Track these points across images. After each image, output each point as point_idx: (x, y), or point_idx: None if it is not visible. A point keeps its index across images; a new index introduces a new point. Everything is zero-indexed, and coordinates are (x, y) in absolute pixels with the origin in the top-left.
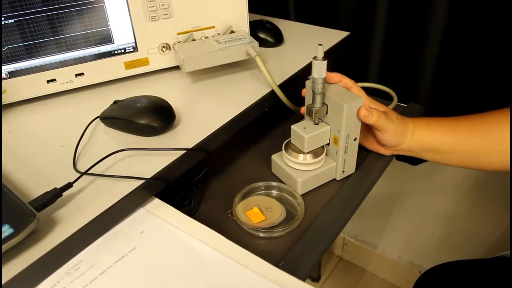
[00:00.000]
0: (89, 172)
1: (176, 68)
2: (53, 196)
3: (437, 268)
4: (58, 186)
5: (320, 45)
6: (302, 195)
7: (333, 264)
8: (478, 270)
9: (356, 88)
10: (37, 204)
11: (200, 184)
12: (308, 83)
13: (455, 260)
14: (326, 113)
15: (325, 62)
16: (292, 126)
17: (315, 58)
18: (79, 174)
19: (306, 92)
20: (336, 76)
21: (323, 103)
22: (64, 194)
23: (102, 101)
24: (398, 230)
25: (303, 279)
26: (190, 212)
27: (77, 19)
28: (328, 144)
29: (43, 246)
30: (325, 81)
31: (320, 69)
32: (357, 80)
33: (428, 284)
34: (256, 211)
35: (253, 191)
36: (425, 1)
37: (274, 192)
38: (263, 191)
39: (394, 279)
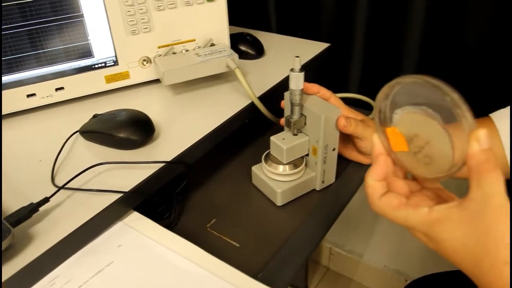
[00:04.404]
0: (66, 186)
1: (157, 81)
2: (29, 211)
3: (422, 279)
4: (35, 201)
5: (297, 57)
6: (282, 206)
7: (320, 274)
8: (465, 281)
9: (334, 98)
10: (12, 220)
11: (180, 197)
12: (286, 94)
13: (443, 269)
14: (305, 124)
15: (302, 73)
16: (271, 137)
17: (292, 70)
18: (57, 189)
19: (285, 104)
20: (314, 87)
21: (302, 114)
22: (41, 209)
23: (83, 115)
24: (384, 239)
25: None
26: (171, 224)
27: (56, 33)
28: (307, 155)
29: (18, 261)
30: (303, 92)
31: (297, 81)
32: (338, 90)
33: None
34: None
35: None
36: (402, 12)
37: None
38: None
39: None
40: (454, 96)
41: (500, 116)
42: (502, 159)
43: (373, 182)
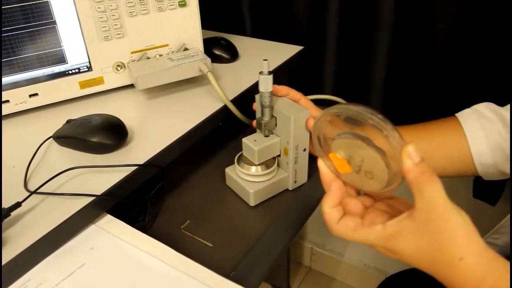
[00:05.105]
0: (39, 191)
1: (132, 86)
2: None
3: (398, 275)
4: (7, 206)
5: (265, 60)
6: (255, 206)
7: (303, 274)
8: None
9: (304, 100)
10: None
11: (154, 199)
12: (257, 97)
13: None
14: (276, 125)
15: (271, 76)
16: (243, 139)
17: (261, 73)
18: (28, 194)
19: (256, 106)
20: (284, 89)
21: (272, 116)
22: (13, 214)
23: (57, 120)
24: None
25: None
26: (145, 227)
27: (29, 40)
28: (279, 156)
29: None
30: (273, 94)
31: (266, 83)
32: (313, 92)
33: None
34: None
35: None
36: (372, 16)
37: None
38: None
39: (363, 286)
40: (376, 120)
41: (465, 115)
42: (466, 156)
43: (329, 209)
